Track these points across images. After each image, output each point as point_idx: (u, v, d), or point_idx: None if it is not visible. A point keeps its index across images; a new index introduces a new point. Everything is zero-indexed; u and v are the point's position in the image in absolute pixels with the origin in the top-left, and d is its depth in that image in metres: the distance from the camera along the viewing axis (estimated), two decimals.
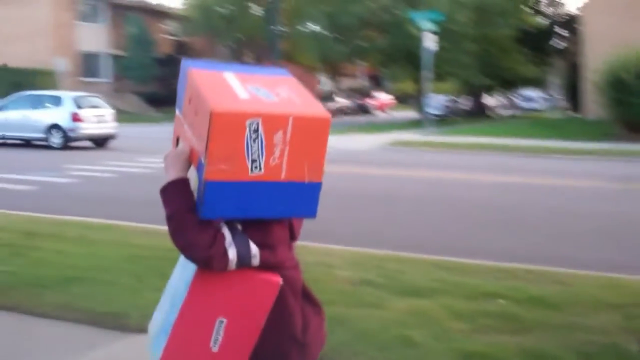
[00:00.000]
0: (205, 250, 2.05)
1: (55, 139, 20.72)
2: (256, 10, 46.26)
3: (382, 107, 54.27)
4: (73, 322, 4.92)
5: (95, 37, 43.01)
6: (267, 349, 2.21)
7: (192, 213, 2.07)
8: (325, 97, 47.47)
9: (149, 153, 18.13)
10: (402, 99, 55.64)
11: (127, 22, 43.90)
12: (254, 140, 2.01)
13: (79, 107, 20.87)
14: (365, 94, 54.50)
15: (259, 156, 2.02)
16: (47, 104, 21.26)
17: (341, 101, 49.44)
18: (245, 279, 2.13)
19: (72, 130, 20.53)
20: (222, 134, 1.98)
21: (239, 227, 2.12)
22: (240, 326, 2.17)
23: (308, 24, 42.60)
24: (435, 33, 29.14)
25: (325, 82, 53.62)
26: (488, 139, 24.09)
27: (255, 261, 2.11)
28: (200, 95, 2.08)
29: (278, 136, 2.03)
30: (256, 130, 2.00)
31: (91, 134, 21.08)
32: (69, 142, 20.74)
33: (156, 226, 7.60)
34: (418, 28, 29.71)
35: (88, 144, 21.51)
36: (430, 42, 28.85)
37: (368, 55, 41.99)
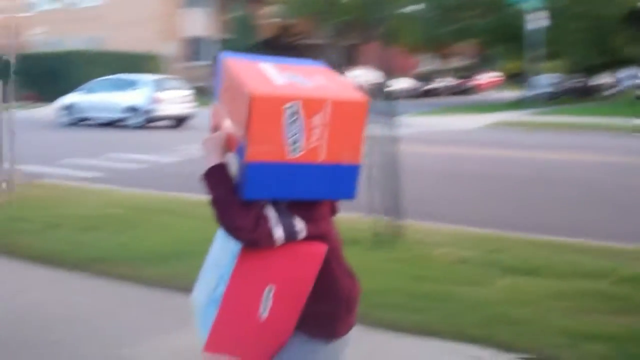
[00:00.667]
0: (250, 233, 2.12)
1: (134, 120, 21.54)
2: None
3: (485, 87, 53.15)
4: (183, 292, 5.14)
5: (200, 22, 44.08)
6: (318, 311, 2.27)
7: (235, 196, 2.14)
8: (424, 78, 46.91)
9: None
10: (510, 78, 54.29)
11: (231, 7, 44.73)
12: (293, 123, 2.05)
13: (158, 89, 21.64)
14: (470, 74, 53.44)
15: (298, 138, 2.07)
16: (128, 87, 22.17)
17: (441, 81, 48.72)
18: (291, 251, 2.19)
19: (149, 111, 21.34)
20: (262, 117, 2.04)
21: (284, 204, 2.17)
22: (288, 293, 2.22)
23: (410, 5, 42.12)
24: (541, 12, 28.25)
25: (425, 63, 52.99)
26: (591, 119, 23.22)
27: (302, 235, 2.17)
28: (239, 82, 2.14)
29: (317, 119, 2.07)
30: (295, 113, 2.05)
31: (169, 114, 21.69)
32: (147, 122, 21.49)
33: None
34: (521, 8, 28.89)
35: (165, 123, 22.00)
36: (535, 22, 28.01)
37: (472, 35, 41.15)
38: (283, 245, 2.17)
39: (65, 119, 22.96)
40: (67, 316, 4.82)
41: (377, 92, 6.67)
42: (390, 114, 6.49)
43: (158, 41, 39.34)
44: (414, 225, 6.84)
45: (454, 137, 18.76)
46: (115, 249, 6.28)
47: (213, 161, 2.21)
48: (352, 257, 2.46)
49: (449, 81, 49.77)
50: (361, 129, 2.13)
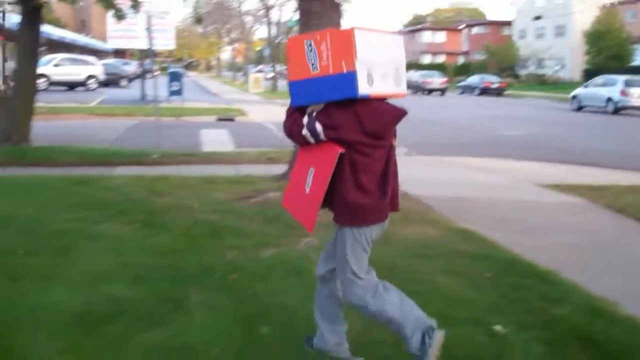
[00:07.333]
0: (288, 129, 3.28)
1: (609, 107, 29.84)
2: None
3: None
4: None
5: None
6: (336, 196, 3.21)
7: (290, 109, 3.31)
8: None
9: None
10: None
11: None
12: (310, 52, 3.15)
13: (628, 86, 29.23)
14: None
15: (315, 61, 3.14)
16: (610, 84, 30.32)
17: None
18: (321, 146, 3.20)
19: (618, 102, 29.36)
20: (293, 51, 3.23)
21: (314, 114, 3.19)
22: (319, 174, 3.22)
23: None
24: None
25: None
26: None
27: (322, 136, 3.15)
28: None
29: (323, 46, 3.11)
30: (310, 45, 3.15)
31: (635, 105, 28.90)
32: (616, 111, 29.36)
33: None
34: None
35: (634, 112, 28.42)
36: None
37: None
38: (318, 142, 3.19)
39: (572, 106, 32.43)
40: None
41: None
42: None
43: None
44: None
45: None
46: None
47: None
48: None
49: None
50: (352, 48, 3.05)
